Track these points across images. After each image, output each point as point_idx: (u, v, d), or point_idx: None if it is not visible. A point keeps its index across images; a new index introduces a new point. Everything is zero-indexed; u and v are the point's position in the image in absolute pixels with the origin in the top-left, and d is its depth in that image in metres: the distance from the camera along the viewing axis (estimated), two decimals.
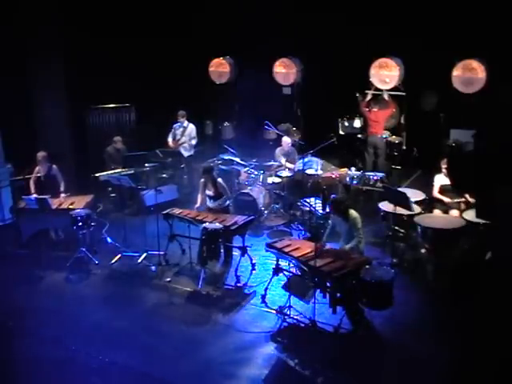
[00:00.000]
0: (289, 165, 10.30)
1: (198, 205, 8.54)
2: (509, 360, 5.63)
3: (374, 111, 10.97)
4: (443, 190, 8.54)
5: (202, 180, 8.55)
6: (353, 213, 7.26)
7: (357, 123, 11.61)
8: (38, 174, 9.27)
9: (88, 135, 11.93)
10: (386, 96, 11.03)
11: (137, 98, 11.95)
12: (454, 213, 8.31)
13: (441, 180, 8.58)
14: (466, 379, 5.85)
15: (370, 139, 11.06)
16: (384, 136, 11.19)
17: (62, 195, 9.19)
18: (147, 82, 11.80)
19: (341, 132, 11.93)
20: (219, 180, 8.52)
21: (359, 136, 11.47)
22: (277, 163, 10.33)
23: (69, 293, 7.82)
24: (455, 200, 8.41)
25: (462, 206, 8.37)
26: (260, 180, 9.99)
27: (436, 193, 8.62)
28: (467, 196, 8.25)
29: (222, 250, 7.92)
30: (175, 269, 8.24)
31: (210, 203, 8.57)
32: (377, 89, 11.15)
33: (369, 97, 11.13)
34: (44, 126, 11.10)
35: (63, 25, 10.95)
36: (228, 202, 8.72)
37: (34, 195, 9.04)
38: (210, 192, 8.52)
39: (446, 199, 8.49)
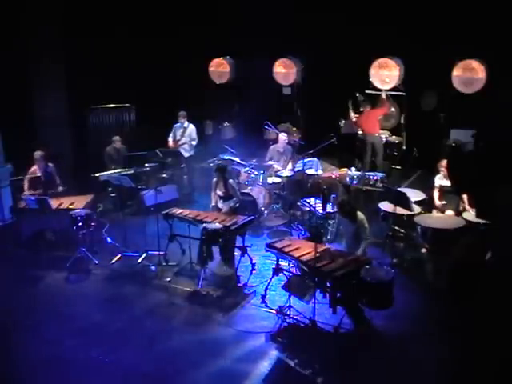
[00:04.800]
0: (276, 166, 10.18)
1: (212, 203, 8.60)
2: (509, 360, 5.63)
3: (366, 111, 10.98)
4: (442, 191, 8.53)
5: (215, 179, 8.57)
6: (360, 214, 7.26)
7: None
8: (35, 174, 9.34)
9: (88, 135, 11.93)
10: (383, 95, 11.03)
11: (137, 98, 11.95)
12: (449, 213, 8.30)
13: (440, 181, 8.58)
14: (465, 379, 5.85)
15: (368, 138, 11.08)
16: (383, 136, 11.19)
17: (60, 188, 9.40)
18: (147, 82, 11.80)
19: (341, 132, 11.91)
20: (231, 181, 8.53)
21: (360, 136, 11.47)
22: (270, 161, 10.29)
23: (69, 293, 7.81)
24: (443, 202, 8.42)
25: (461, 207, 8.36)
26: (260, 180, 9.98)
27: (434, 194, 8.60)
28: (464, 198, 8.23)
29: (223, 251, 7.94)
30: (175, 269, 8.23)
31: (220, 204, 8.57)
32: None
33: (383, 95, 11.11)
34: (44, 125, 11.10)
35: (63, 25, 10.95)
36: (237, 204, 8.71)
37: (26, 193, 9.17)
38: (220, 192, 8.52)
39: (438, 202, 8.49)
